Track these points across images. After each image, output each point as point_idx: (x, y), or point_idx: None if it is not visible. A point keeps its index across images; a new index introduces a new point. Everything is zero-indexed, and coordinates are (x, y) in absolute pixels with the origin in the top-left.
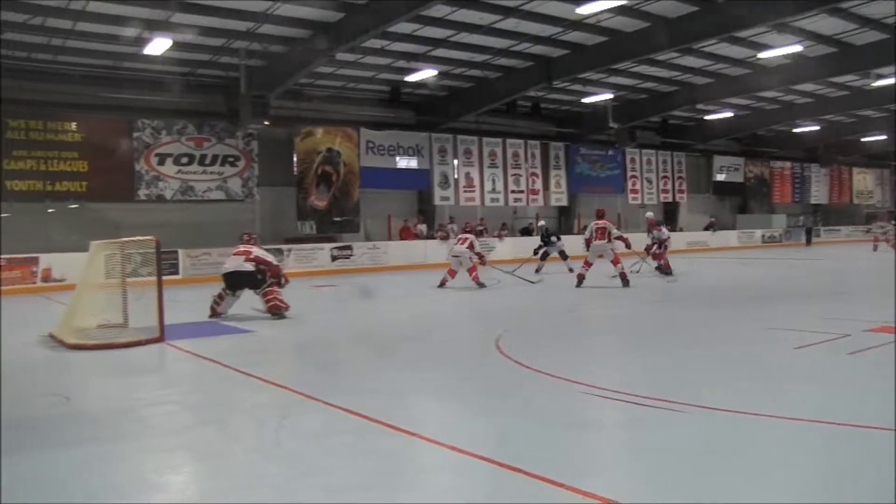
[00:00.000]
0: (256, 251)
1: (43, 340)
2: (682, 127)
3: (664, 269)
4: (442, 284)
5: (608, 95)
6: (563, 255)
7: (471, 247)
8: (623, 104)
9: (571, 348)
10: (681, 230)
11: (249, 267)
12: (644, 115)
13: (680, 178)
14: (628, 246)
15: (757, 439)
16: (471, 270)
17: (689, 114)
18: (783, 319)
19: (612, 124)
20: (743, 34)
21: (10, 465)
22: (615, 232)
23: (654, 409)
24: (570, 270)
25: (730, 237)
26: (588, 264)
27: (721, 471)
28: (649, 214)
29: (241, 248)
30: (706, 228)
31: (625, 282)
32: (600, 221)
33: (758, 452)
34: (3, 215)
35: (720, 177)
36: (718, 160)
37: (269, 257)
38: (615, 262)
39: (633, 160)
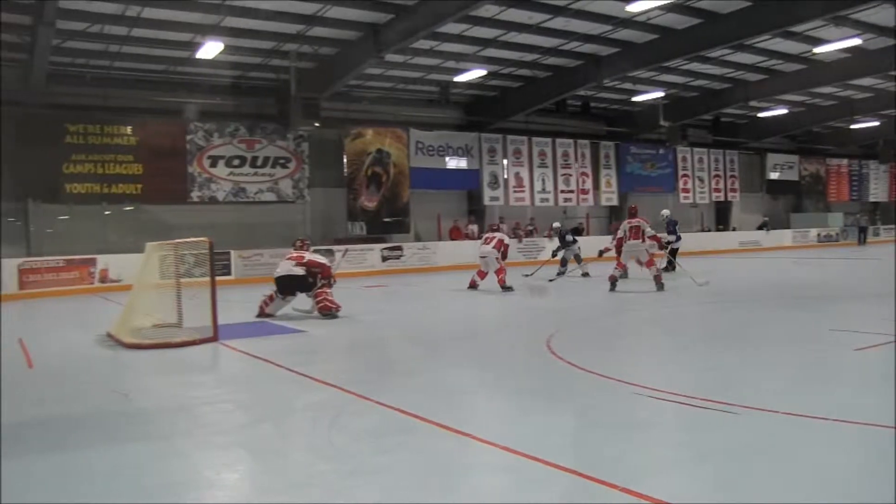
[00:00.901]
0: (308, 255)
1: (101, 340)
2: (734, 125)
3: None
4: (472, 286)
5: (659, 94)
6: (578, 259)
7: (498, 246)
8: (674, 102)
9: (622, 349)
10: (733, 230)
11: (300, 271)
12: (695, 114)
13: (732, 176)
14: (661, 247)
15: (811, 442)
16: (498, 272)
17: (742, 111)
18: (841, 320)
19: (662, 123)
20: (798, 29)
21: (70, 461)
22: (649, 231)
23: (706, 411)
24: (585, 275)
25: (784, 236)
26: (621, 266)
27: (774, 473)
28: (665, 212)
29: (294, 253)
30: (759, 228)
31: (659, 285)
32: (634, 220)
33: (812, 455)
34: (62, 217)
35: (774, 175)
36: (772, 158)
37: (322, 259)
38: (649, 263)
39: (684, 159)
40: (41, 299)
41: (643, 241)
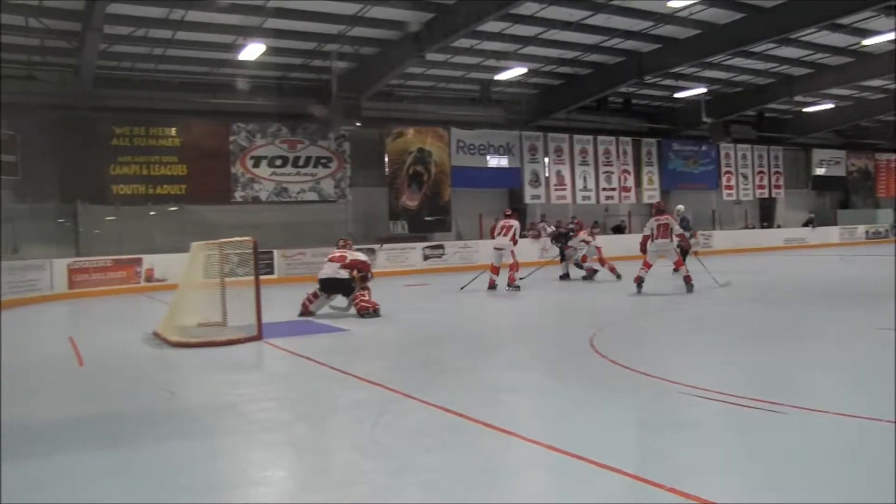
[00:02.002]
0: (350, 255)
1: (148, 338)
2: (778, 120)
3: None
4: (491, 286)
5: (701, 90)
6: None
7: (513, 237)
8: (717, 98)
9: (666, 348)
10: (778, 227)
11: (344, 274)
12: (739, 109)
13: (777, 172)
14: (687, 246)
15: (860, 443)
16: (512, 267)
17: (787, 106)
18: (888, 319)
19: (705, 119)
20: (845, 20)
21: (120, 458)
22: (678, 229)
23: (754, 410)
24: (585, 278)
25: (830, 233)
26: (648, 265)
27: (825, 474)
28: (680, 207)
29: (337, 253)
30: (805, 224)
31: (689, 286)
32: (662, 217)
33: (861, 456)
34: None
35: (820, 171)
36: (818, 154)
37: (363, 257)
38: (678, 264)
39: (727, 155)
40: (90, 298)
41: (671, 239)
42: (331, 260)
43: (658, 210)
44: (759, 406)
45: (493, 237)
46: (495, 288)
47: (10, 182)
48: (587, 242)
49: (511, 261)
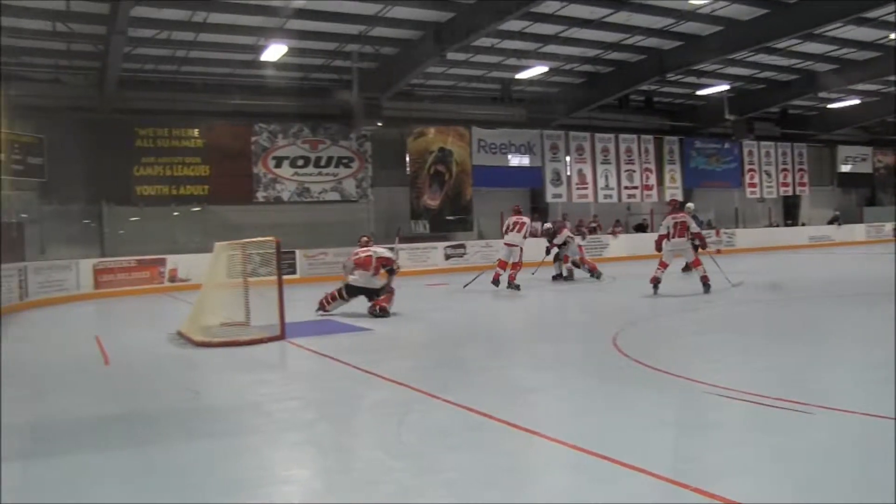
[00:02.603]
0: (376, 253)
1: (172, 338)
2: (802, 117)
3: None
4: (495, 281)
5: (724, 87)
6: (557, 258)
7: (525, 235)
8: (739, 95)
9: (689, 347)
10: (803, 224)
11: (377, 283)
12: (762, 106)
13: (801, 170)
14: (703, 245)
15: (888, 443)
16: (515, 266)
17: (811, 103)
18: None
19: (728, 116)
20: (872, 14)
21: (144, 456)
22: (694, 227)
23: (779, 410)
24: (565, 278)
25: (856, 231)
26: (664, 265)
27: (853, 475)
28: (690, 206)
29: (363, 254)
30: (830, 222)
31: (706, 287)
32: (679, 214)
33: (889, 456)
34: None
35: (845, 168)
36: (843, 150)
37: (389, 254)
38: (695, 263)
39: (750, 153)
40: (115, 298)
41: (688, 238)
42: (359, 264)
43: (674, 208)
44: (785, 406)
45: (503, 233)
46: (498, 283)
47: (37, 184)
48: (571, 240)
49: (517, 259)
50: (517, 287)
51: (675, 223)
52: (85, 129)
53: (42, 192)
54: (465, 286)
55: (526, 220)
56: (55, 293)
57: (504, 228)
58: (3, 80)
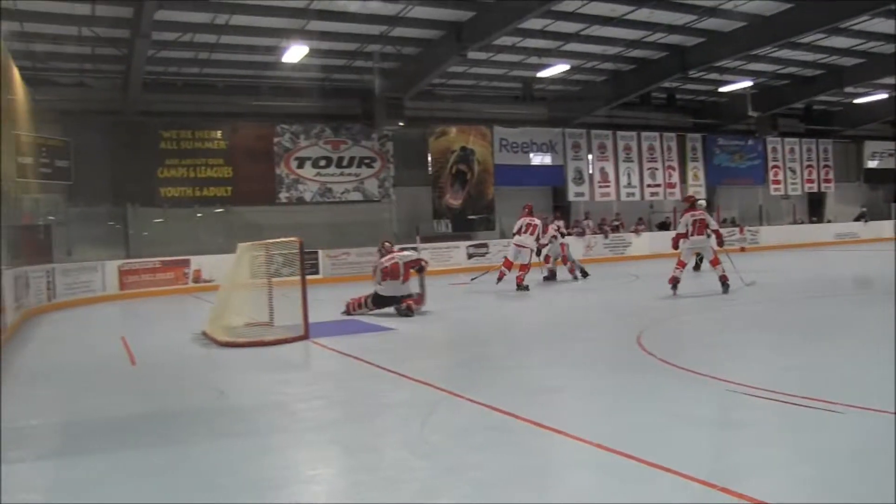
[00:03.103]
0: (400, 259)
1: (197, 338)
2: (827, 112)
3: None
4: (501, 278)
5: (747, 83)
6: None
7: (538, 238)
8: (763, 91)
9: (714, 346)
10: (828, 221)
11: (407, 290)
12: (786, 102)
13: (826, 166)
14: (721, 242)
15: None
16: (523, 268)
17: (836, 98)
18: None
19: (751, 113)
20: None
21: (171, 455)
22: (713, 224)
23: (808, 409)
24: (546, 279)
25: (883, 228)
26: (682, 264)
27: (884, 476)
28: (701, 203)
29: (387, 263)
30: (857, 219)
31: (725, 286)
32: (696, 212)
33: None
34: (157, 221)
35: (872, 164)
36: (870, 146)
37: (414, 256)
38: (714, 262)
39: (774, 149)
40: (140, 299)
41: (707, 235)
42: (387, 274)
43: (690, 205)
44: (813, 405)
45: (514, 233)
46: (501, 280)
47: (64, 187)
48: (555, 239)
49: (526, 261)
50: (526, 288)
51: (694, 220)
52: (110, 131)
53: (69, 195)
54: (472, 279)
55: (538, 222)
56: (82, 294)
57: (516, 229)
58: (31, 85)
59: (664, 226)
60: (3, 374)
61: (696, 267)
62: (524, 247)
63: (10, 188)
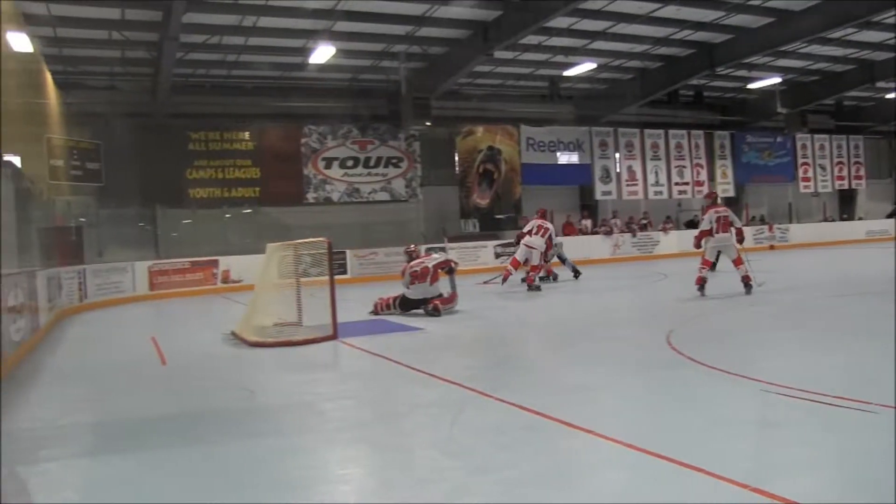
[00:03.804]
0: (431, 262)
1: (226, 338)
2: (858, 108)
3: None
4: (506, 278)
5: (776, 79)
6: (562, 259)
7: (550, 240)
8: (792, 87)
9: (745, 345)
10: (859, 219)
11: (436, 291)
12: (816, 98)
13: (857, 163)
14: (741, 240)
15: None
16: (534, 268)
17: (867, 94)
18: None
19: (780, 110)
20: None
21: (202, 454)
22: (737, 221)
23: (841, 409)
24: (524, 281)
25: None
26: (707, 263)
27: None
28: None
29: (418, 267)
30: (889, 216)
31: (748, 287)
32: (720, 208)
33: None
34: (186, 221)
35: None
36: None
37: (442, 258)
38: (738, 262)
39: (804, 146)
40: (169, 300)
41: (731, 233)
42: (415, 277)
43: (713, 201)
44: (847, 405)
45: (525, 234)
46: (506, 281)
47: (95, 188)
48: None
49: (536, 262)
50: (538, 288)
51: (718, 217)
52: (140, 134)
53: (99, 197)
54: (484, 283)
55: (550, 226)
56: (112, 295)
57: (527, 230)
58: (63, 89)
59: (692, 224)
60: (37, 375)
61: (712, 267)
62: (533, 248)
63: (43, 190)
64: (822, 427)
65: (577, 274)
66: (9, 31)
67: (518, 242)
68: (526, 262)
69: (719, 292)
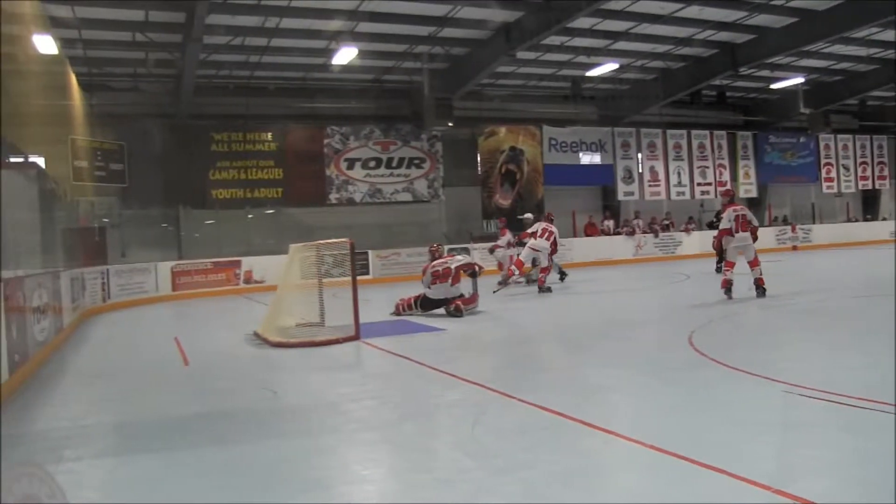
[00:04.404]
0: (452, 263)
1: (249, 338)
2: (882, 108)
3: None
4: (505, 280)
5: (798, 79)
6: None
7: (555, 243)
8: (815, 87)
9: (768, 346)
10: (883, 219)
11: (457, 291)
12: (839, 98)
13: (881, 163)
14: (755, 238)
15: None
16: (544, 270)
17: (891, 93)
18: None
19: (803, 110)
20: None
21: (225, 454)
22: (754, 220)
23: (866, 411)
24: (528, 282)
25: None
26: (731, 264)
27: None
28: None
29: (440, 267)
30: None
31: (760, 290)
32: (738, 206)
33: None
34: (209, 222)
35: None
36: None
37: (465, 260)
38: (754, 263)
39: (827, 146)
40: (192, 300)
41: (749, 232)
42: (437, 277)
43: (730, 199)
44: (869, 406)
45: (530, 237)
46: (507, 281)
47: (119, 189)
48: (510, 247)
49: (545, 264)
50: (549, 289)
51: (737, 216)
52: (163, 135)
53: (123, 197)
54: (494, 291)
55: (555, 230)
56: (135, 295)
57: (532, 232)
58: (87, 91)
59: (713, 226)
60: (61, 374)
61: (719, 269)
62: (538, 250)
63: (66, 191)
64: (844, 428)
65: (563, 276)
66: (34, 33)
67: (519, 242)
68: (534, 263)
69: (741, 294)
